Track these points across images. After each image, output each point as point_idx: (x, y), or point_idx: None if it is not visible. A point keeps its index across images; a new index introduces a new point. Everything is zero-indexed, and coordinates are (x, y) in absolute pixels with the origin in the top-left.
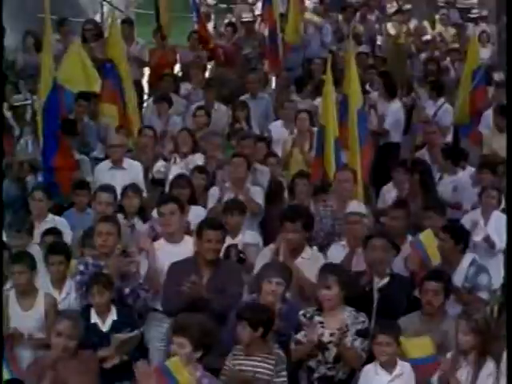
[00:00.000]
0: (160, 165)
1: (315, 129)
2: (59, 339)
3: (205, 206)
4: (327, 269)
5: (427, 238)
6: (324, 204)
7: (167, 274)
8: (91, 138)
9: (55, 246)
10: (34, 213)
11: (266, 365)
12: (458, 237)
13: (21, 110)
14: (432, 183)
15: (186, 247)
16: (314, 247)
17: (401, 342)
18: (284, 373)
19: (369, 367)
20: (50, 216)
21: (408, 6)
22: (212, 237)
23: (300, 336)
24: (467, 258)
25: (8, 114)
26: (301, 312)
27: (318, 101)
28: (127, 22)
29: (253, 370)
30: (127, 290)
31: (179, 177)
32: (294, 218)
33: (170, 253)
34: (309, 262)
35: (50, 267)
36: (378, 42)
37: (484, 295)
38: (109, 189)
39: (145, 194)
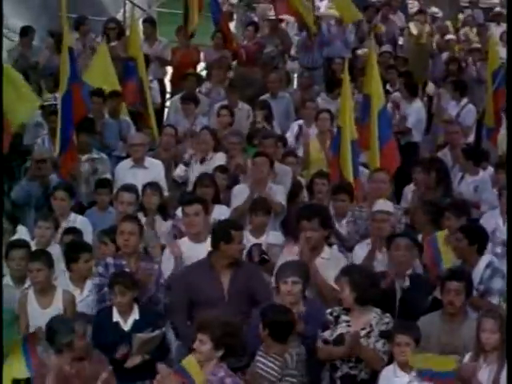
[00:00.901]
0: (180, 170)
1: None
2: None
3: (227, 206)
4: (342, 270)
5: (442, 237)
6: (359, 205)
7: (180, 279)
8: (111, 136)
9: (79, 244)
10: (56, 212)
11: (273, 366)
12: (472, 237)
13: (48, 108)
14: (449, 182)
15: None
16: (334, 246)
17: (425, 358)
18: (289, 378)
19: (388, 368)
20: (73, 215)
21: (435, 10)
22: (240, 238)
23: (327, 335)
24: (484, 260)
25: (38, 112)
26: (328, 310)
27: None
28: (149, 21)
29: (265, 369)
30: (145, 298)
31: (203, 176)
32: (310, 217)
33: (194, 252)
34: (328, 262)
35: (76, 265)
36: (400, 42)
37: (494, 300)
38: (131, 188)
39: (166, 193)
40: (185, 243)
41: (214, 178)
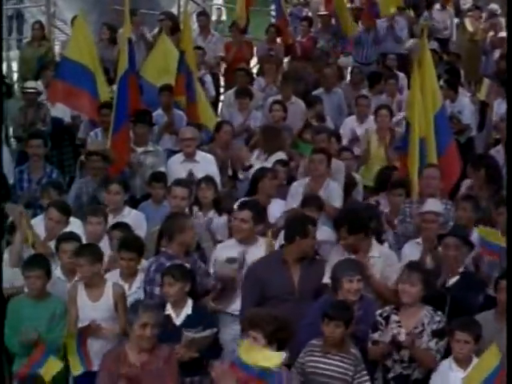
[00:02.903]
0: (241, 175)
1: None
2: (146, 330)
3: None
4: (413, 266)
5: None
6: (408, 201)
7: (251, 273)
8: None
9: (128, 242)
10: (110, 207)
11: (343, 364)
12: None
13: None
14: (500, 179)
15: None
16: (386, 244)
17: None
18: (365, 372)
19: (443, 363)
20: (127, 209)
21: (496, 7)
22: (315, 233)
23: (376, 336)
24: None
25: None
26: (378, 311)
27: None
28: (203, 15)
29: (328, 368)
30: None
31: (265, 170)
32: (337, 226)
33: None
34: (379, 260)
35: (122, 262)
36: (453, 38)
37: None
38: (183, 183)
39: (220, 188)
40: (231, 244)
41: (276, 172)
